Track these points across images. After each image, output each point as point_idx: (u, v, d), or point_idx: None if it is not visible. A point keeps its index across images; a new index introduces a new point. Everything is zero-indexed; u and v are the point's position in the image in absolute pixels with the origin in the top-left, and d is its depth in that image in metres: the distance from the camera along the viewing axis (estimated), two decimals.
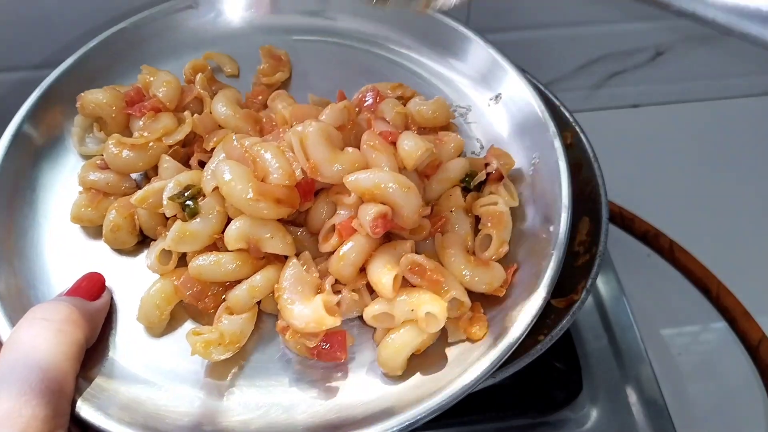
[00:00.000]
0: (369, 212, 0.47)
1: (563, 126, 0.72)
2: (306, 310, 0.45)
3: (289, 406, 0.46)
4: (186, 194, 0.51)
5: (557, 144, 0.53)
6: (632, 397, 0.72)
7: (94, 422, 0.44)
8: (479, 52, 0.60)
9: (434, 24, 0.61)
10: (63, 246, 0.55)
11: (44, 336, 0.43)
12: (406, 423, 0.43)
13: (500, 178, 0.53)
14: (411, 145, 0.50)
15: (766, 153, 0.97)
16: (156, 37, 0.62)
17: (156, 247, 0.52)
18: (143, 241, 0.54)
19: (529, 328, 0.46)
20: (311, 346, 0.46)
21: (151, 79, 0.58)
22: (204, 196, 0.50)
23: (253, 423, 0.46)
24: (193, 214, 0.50)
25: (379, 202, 0.47)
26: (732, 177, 0.95)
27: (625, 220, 0.88)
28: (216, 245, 0.50)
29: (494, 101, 0.59)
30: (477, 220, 0.53)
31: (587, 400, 0.72)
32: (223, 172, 0.47)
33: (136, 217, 0.53)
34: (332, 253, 0.49)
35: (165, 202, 0.50)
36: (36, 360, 0.41)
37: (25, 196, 0.56)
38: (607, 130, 0.81)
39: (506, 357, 0.45)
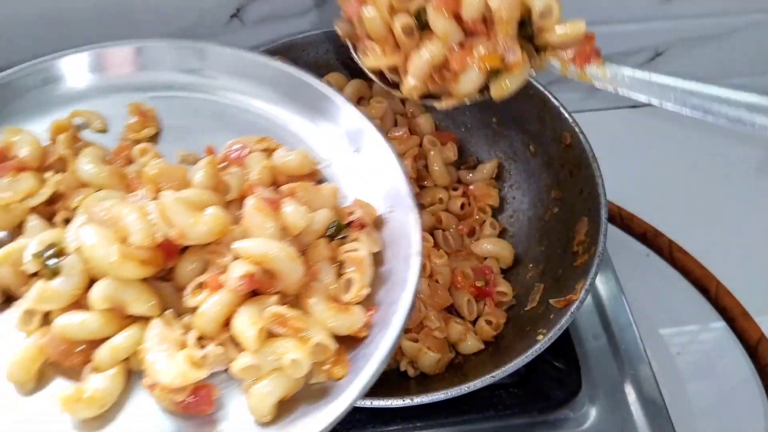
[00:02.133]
0: (237, 270, 0.48)
1: (563, 126, 0.72)
2: (170, 366, 0.46)
3: None
4: (49, 253, 0.51)
5: (409, 197, 0.56)
6: (631, 396, 0.72)
7: None
8: (340, 112, 0.62)
9: (299, 84, 0.63)
10: None
11: None
12: None
13: (362, 226, 0.56)
14: (295, 215, 0.52)
15: (766, 153, 0.97)
16: (19, 96, 0.61)
17: (19, 307, 0.51)
18: (7, 300, 0.53)
19: (387, 361, 0.49)
20: (179, 401, 0.47)
21: (15, 139, 0.57)
22: (67, 254, 0.50)
23: None
24: (55, 273, 0.50)
25: (266, 268, 0.49)
26: (731, 177, 0.95)
27: (624, 220, 0.88)
28: (80, 303, 0.50)
29: (357, 153, 0.61)
30: (341, 265, 0.55)
31: (586, 400, 0.72)
32: (85, 235, 0.48)
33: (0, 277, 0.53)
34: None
35: (28, 260, 0.50)
36: None
37: None
38: (606, 130, 0.82)
39: (367, 390, 0.48)
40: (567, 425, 0.70)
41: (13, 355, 0.49)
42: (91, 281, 0.50)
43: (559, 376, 0.71)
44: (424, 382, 0.68)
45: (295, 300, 0.52)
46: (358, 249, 0.54)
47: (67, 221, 0.54)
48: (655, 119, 1.01)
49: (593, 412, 0.71)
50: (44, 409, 0.49)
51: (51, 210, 0.56)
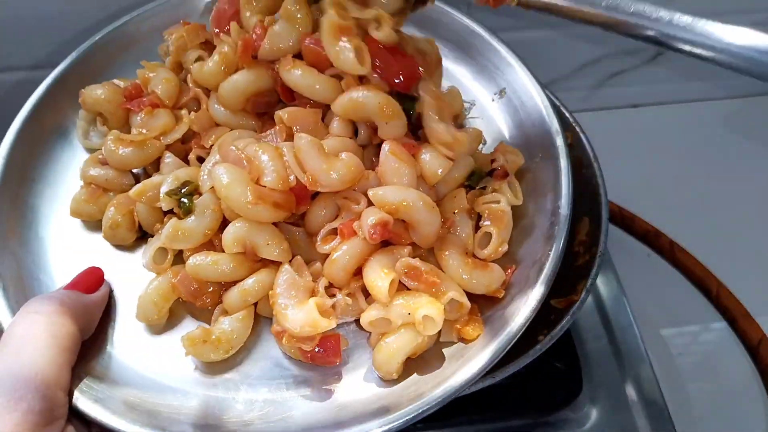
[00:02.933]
0: (370, 218, 0.46)
1: (564, 126, 0.72)
2: (300, 314, 0.46)
3: (285, 406, 0.47)
4: (183, 191, 0.51)
5: (559, 142, 0.53)
6: (632, 396, 0.72)
7: (92, 415, 0.45)
8: (483, 45, 0.59)
9: (439, 15, 0.60)
10: (66, 239, 0.55)
11: (36, 330, 0.43)
12: (402, 420, 0.43)
13: (505, 175, 0.52)
14: (433, 163, 0.49)
15: (766, 153, 0.97)
16: (157, 32, 0.62)
17: (152, 245, 0.52)
18: (143, 237, 0.54)
19: (525, 327, 0.46)
20: (306, 350, 0.46)
21: (151, 75, 0.58)
22: (200, 193, 0.50)
23: (251, 422, 0.46)
24: (188, 211, 0.50)
25: (402, 218, 0.47)
26: (732, 177, 0.95)
27: (625, 220, 0.88)
28: (213, 243, 0.50)
29: (498, 96, 0.58)
30: (478, 217, 0.52)
31: (587, 400, 0.72)
32: (220, 174, 0.47)
33: (135, 213, 0.54)
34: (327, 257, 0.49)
35: (162, 197, 0.51)
36: (29, 355, 0.42)
37: (30, 188, 0.56)
38: (607, 130, 0.81)
39: (501, 356, 0.45)
40: (568, 426, 0.70)
41: (145, 294, 0.50)
42: (224, 222, 0.49)
43: (559, 376, 0.71)
44: None
45: (429, 253, 0.50)
46: (499, 201, 0.51)
47: (201, 160, 0.54)
48: (657, 119, 1.01)
49: (594, 413, 0.71)
50: (174, 349, 0.49)
51: (186, 148, 0.56)
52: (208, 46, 0.58)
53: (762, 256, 0.87)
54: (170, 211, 0.52)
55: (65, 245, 0.54)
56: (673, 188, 0.93)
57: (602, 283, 0.80)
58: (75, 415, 0.45)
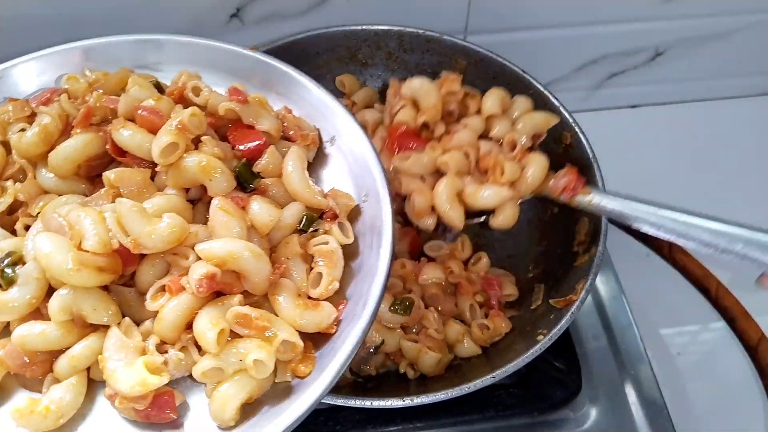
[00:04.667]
0: (197, 272, 0.47)
1: (563, 126, 0.72)
2: (129, 374, 0.45)
3: None
4: (6, 262, 0.50)
5: (382, 186, 0.55)
6: (631, 396, 0.72)
7: None
8: (311, 96, 0.60)
9: (267, 69, 0.62)
10: None
11: None
12: None
13: (335, 217, 0.54)
14: (263, 213, 0.51)
15: (766, 153, 0.97)
16: None
17: None
18: None
19: (353, 357, 0.47)
20: (140, 410, 0.46)
21: None
22: (23, 263, 0.49)
23: None
24: (11, 282, 0.49)
25: (231, 270, 0.48)
26: (731, 177, 0.95)
27: None
28: (40, 312, 0.49)
29: (330, 143, 0.60)
30: (312, 258, 0.54)
31: (587, 400, 0.72)
32: (40, 243, 0.47)
33: None
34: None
35: None
36: None
37: None
38: (606, 130, 0.82)
39: (332, 386, 0.47)
40: (567, 425, 0.70)
41: None
42: (51, 290, 0.49)
43: (559, 376, 0.71)
44: (424, 383, 0.68)
45: (262, 299, 0.50)
46: (329, 242, 0.52)
47: (27, 228, 0.53)
48: (656, 119, 1.02)
49: (593, 413, 0.71)
50: (6, 423, 0.47)
51: (13, 219, 0.55)
52: (32, 120, 0.57)
53: None
54: None
55: None
56: (672, 188, 0.93)
57: (601, 283, 0.80)
58: None
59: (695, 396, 0.77)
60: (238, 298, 0.49)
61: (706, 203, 0.91)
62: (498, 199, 0.66)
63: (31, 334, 0.48)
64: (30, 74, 0.62)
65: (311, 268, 0.52)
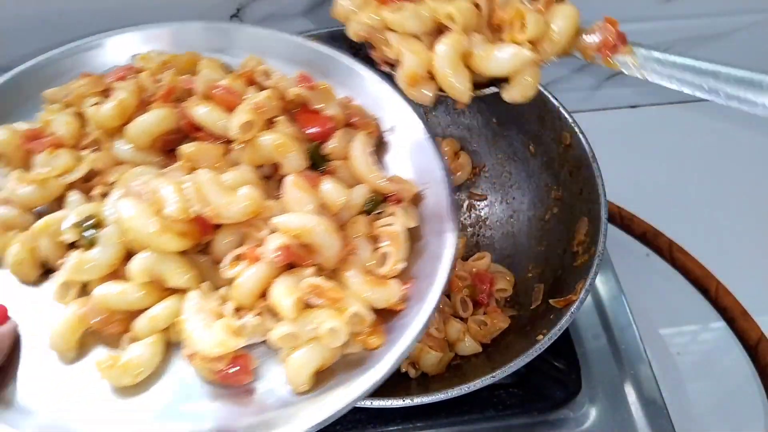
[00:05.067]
0: (274, 242, 0.49)
1: (563, 126, 0.72)
2: (209, 335, 0.47)
3: (199, 416, 0.48)
4: (87, 224, 0.52)
5: (441, 173, 0.57)
6: (631, 396, 0.72)
7: None
8: (371, 87, 0.62)
9: (328, 59, 0.64)
10: None
11: None
12: (314, 424, 0.46)
13: (399, 201, 0.56)
14: (334, 192, 0.53)
15: (766, 153, 0.97)
16: (60, 77, 0.62)
17: (56, 280, 0.52)
18: (46, 273, 0.54)
19: (422, 334, 0.50)
20: (217, 370, 0.48)
21: (51, 117, 0.59)
22: (104, 227, 0.51)
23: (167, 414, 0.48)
24: (92, 244, 0.50)
25: (304, 243, 0.50)
26: (731, 177, 0.95)
27: (624, 220, 0.88)
28: (118, 274, 0.51)
29: (390, 133, 0.62)
30: (376, 239, 0.55)
31: (586, 400, 0.72)
32: (124, 207, 0.49)
33: (38, 249, 0.53)
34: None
35: (66, 229, 0.51)
36: None
37: None
38: (606, 130, 0.82)
39: (402, 360, 0.49)
40: (567, 425, 0.70)
41: (55, 325, 0.50)
42: (129, 254, 0.50)
43: (559, 376, 0.71)
44: (425, 382, 0.68)
45: (332, 274, 0.52)
46: (394, 224, 0.54)
47: (104, 196, 0.55)
48: (656, 119, 1.02)
49: (593, 413, 0.71)
50: (86, 376, 0.50)
51: (89, 187, 0.57)
52: (105, 95, 0.60)
53: (761, 256, 0.87)
54: (73, 246, 0.52)
55: None
56: (672, 188, 0.93)
57: (601, 283, 0.80)
58: None
59: (695, 396, 0.77)
60: (310, 270, 0.51)
61: (706, 203, 0.92)
62: (517, 61, 0.54)
63: (112, 294, 0.50)
64: (102, 54, 0.65)
65: (376, 249, 0.54)
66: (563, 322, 0.61)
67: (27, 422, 0.47)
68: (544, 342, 0.60)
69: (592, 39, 0.55)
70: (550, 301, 0.66)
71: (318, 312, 0.49)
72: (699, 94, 0.56)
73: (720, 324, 0.82)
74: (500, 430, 0.69)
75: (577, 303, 0.62)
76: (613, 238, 0.85)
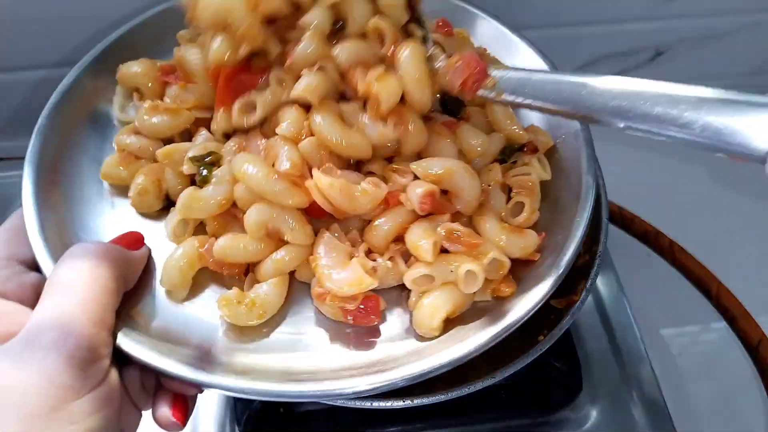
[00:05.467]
0: (418, 190, 0.49)
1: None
2: (344, 273, 0.47)
3: (322, 352, 0.49)
4: (206, 159, 0.53)
5: (577, 126, 0.57)
6: (632, 397, 0.72)
7: (134, 354, 0.46)
8: (499, 34, 0.63)
9: (454, 7, 0.65)
10: (105, 204, 0.57)
11: (80, 272, 0.44)
12: (436, 365, 0.45)
13: (535, 150, 0.56)
14: (472, 138, 0.53)
15: None
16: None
17: (172, 217, 0.54)
18: (167, 207, 0.56)
19: (555, 286, 0.48)
20: (349, 309, 0.48)
21: (186, 53, 0.59)
22: (221, 166, 0.52)
23: (286, 359, 0.48)
24: (206, 181, 0.52)
25: (444, 188, 0.50)
26: (732, 177, 0.95)
27: (624, 220, 0.88)
28: (235, 216, 0.51)
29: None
30: (509, 189, 0.55)
31: (587, 401, 0.72)
32: (242, 162, 0.49)
33: (163, 181, 0.56)
34: (367, 223, 0.51)
35: (185, 160, 0.53)
36: (73, 295, 0.43)
37: (71, 156, 0.58)
38: (607, 130, 0.81)
39: (535, 310, 0.47)
40: (568, 426, 0.70)
41: (171, 260, 0.51)
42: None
43: (559, 376, 0.71)
44: (425, 382, 0.68)
45: (467, 222, 0.52)
46: (530, 173, 0.54)
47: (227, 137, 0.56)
48: None
49: (594, 413, 0.71)
50: (200, 314, 0.50)
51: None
52: None
53: (762, 256, 0.87)
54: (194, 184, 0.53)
55: (104, 209, 0.57)
56: (673, 188, 0.93)
57: (602, 283, 0.80)
58: (118, 356, 0.46)
59: (696, 396, 0.77)
60: (447, 216, 0.51)
61: (707, 203, 0.92)
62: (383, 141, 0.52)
63: (232, 247, 0.50)
64: None
65: (510, 199, 0.54)
66: (564, 323, 0.60)
67: (155, 339, 0.48)
68: (545, 342, 0.60)
69: (454, 75, 0.51)
70: (551, 301, 0.66)
71: (454, 257, 0.49)
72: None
73: (721, 324, 0.82)
74: (500, 431, 0.69)
75: (578, 303, 0.61)
76: (614, 238, 0.85)
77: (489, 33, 0.64)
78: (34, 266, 0.50)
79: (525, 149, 0.56)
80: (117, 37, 0.64)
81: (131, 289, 0.50)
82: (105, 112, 0.62)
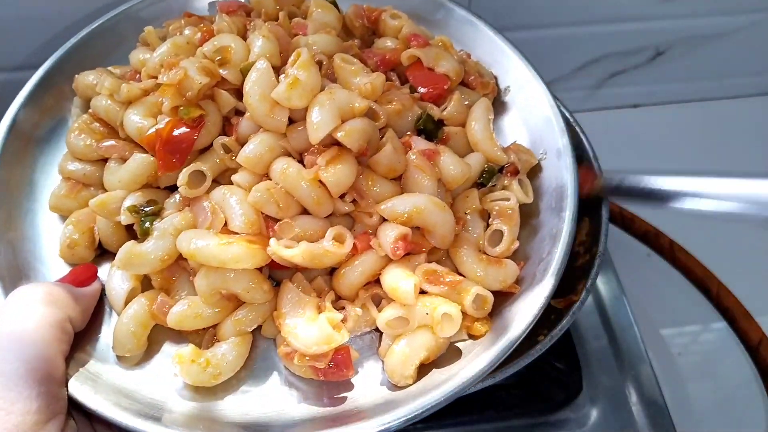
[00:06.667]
0: (390, 234, 0.45)
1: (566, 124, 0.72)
2: (312, 331, 0.44)
3: (285, 411, 0.46)
4: (146, 209, 0.49)
5: (564, 141, 0.53)
6: (632, 397, 0.72)
7: (91, 407, 0.43)
8: (488, 42, 0.58)
9: (446, 15, 0.60)
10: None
11: (25, 321, 0.41)
12: (404, 417, 0.43)
13: (516, 172, 0.52)
14: (455, 168, 0.49)
15: (766, 153, 0.97)
16: (153, 22, 0.61)
17: (112, 270, 0.50)
18: (103, 254, 0.53)
19: (533, 325, 0.45)
20: (319, 368, 0.44)
21: (143, 57, 0.57)
22: (161, 218, 0.48)
23: (248, 412, 0.45)
24: (146, 234, 0.48)
25: (414, 226, 0.46)
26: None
27: (625, 220, 0.88)
28: (180, 265, 0.48)
29: (505, 93, 0.57)
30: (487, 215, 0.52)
31: (587, 400, 0.71)
32: (189, 239, 0.46)
33: (95, 231, 0.52)
34: (331, 270, 0.48)
35: (123, 211, 0.49)
36: (19, 350, 0.39)
37: (26, 178, 0.55)
38: (607, 130, 0.81)
39: (511, 351, 0.45)
40: (568, 426, 0.70)
41: (121, 324, 0.47)
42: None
43: (560, 376, 0.71)
44: None
45: (444, 255, 0.49)
46: (509, 199, 0.50)
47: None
48: (657, 119, 1.01)
49: (594, 413, 0.71)
50: (155, 375, 0.47)
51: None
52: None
53: (762, 256, 0.86)
54: (134, 232, 0.49)
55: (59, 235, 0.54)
56: None
57: (602, 283, 0.80)
58: (74, 406, 0.43)
59: (696, 396, 0.77)
60: (423, 255, 0.47)
61: None
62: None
63: (187, 315, 0.46)
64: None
65: (488, 225, 0.50)
66: (564, 323, 0.60)
67: (110, 387, 0.45)
68: (545, 342, 0.59)
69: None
70: (551, 301, 0.66)
71: (430, 298, 0.45)
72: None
73: (721, 324, 0.82)
74: (500, 431, 0.69)
75: (578, 303, 0.61)
76: (615, 238, 0.85)
77: (471, 35, 0.60)
78: None
79: (505, 171, 0.52)
80: (70, 46, 0.60)
81: (83, 329, 0.47)
82: (63, 125, 0.59)
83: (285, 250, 0.45)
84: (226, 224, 0.47)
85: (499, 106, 0.57)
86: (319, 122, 0.46)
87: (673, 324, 0.82)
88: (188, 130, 0.49)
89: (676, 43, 0.93)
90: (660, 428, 0.70)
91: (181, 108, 0.49)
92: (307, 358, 0.44)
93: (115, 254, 0.50)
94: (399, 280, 0.45)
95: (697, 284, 0.84)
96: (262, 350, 0.48)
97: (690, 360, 0.80)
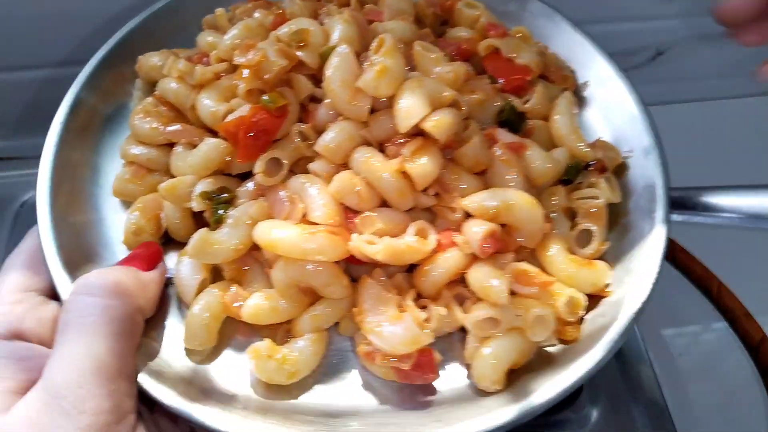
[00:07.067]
0: (477, 231, 0.43)
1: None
2: (397, 330, 0.41)
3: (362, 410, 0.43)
4: (219, 197, 0.47)
5: (651, 139, 0.52)
6: (632, 397, 0.72)
7: (161, 400, 0.41)
8: (568, 36, 0.58)
9: (521, 8, 0.60)
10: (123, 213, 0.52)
11: (91, 316, 0.39)
12: (498, 424, 0.40)
13: (603, 170, 0.50)
14: (541, 163, 0.47)
15: (766, 153, 0.97)
16: (215, 5, 0.60)
17: (183, 257, 0.48)
18: (167, 243, 0.51)
19: (628, 332, 0.42)
20: (403, 369, 0.42)
21: (212, 39, 0.55)
22: (235, 206, 0.47)
23: (327, 408, 0.43)
24: (219, 221, 0.46)
25: (501, 222, 0.44)
26: (732, 177, 0.94)
27: None
28: (253, 256, 0.46)
29: (583, 88, 0.56)
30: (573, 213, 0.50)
31: (587, 401, 0.71)
32: (268, 229, 0.44)
33: (162, 218, 0.50)
34: (412, 267, 0.46)
35: (194, 197, 0.47)
36: (87, 347, 0.38)
37: (90, 161, 0.54)
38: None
39: (604, 363, 0.42)
40: (568, 426, 0.70)
41: (192, 315, 0.45)
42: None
43: None
44: None
45: (529, 254, 0.47)
46: (598, 197, 0.48)
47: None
48: (657, 119, 1.01)
49: (594, 414, 0.71)
50: (225, 369, 0.45)
51: None
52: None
53: (762, 256, 0.86)
54: (202, 221, 0.48)
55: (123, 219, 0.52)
56: None
57: None
58: (143, 399, 0.41)
59: (696, 397, 0.77)
60: (510, 256, 0.45)
61: None
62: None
63: (262, 308, 0.44)
64: None
65: (574, 225, 0.48)
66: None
67: (181, 379, 0.43)
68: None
69: None
70: None
71: (521, 299, 0.43)
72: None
73: (722, 325, 0.81)
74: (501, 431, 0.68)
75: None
76: None
77: (547, 28, 0.59)
78: (54, 294, 0.45)
79: (591, 168, 0.50)
80: (134, 26, 0.58)
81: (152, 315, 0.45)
82: (126, 107, 0.57)
83: (368, 246, 0.43)
84: (303, 215, 0.45)
85: (579, 102, 0.56)
86: (409, 110, 0.44)
87: (673, 324, 0.82)
88: (272, 118, 0.47)
89: (676, 43, 0.93)
90: (660, 429, 0.70)
91: (265, 97, 0.47)
92: (393, 359, 0.42)
93: (179, 243, 0.48)
94: (489, 278, 0.43)
95: (697, 284, 0.83)
96: (336, 349, 0.47)
97: (690, 360, 0.80)
